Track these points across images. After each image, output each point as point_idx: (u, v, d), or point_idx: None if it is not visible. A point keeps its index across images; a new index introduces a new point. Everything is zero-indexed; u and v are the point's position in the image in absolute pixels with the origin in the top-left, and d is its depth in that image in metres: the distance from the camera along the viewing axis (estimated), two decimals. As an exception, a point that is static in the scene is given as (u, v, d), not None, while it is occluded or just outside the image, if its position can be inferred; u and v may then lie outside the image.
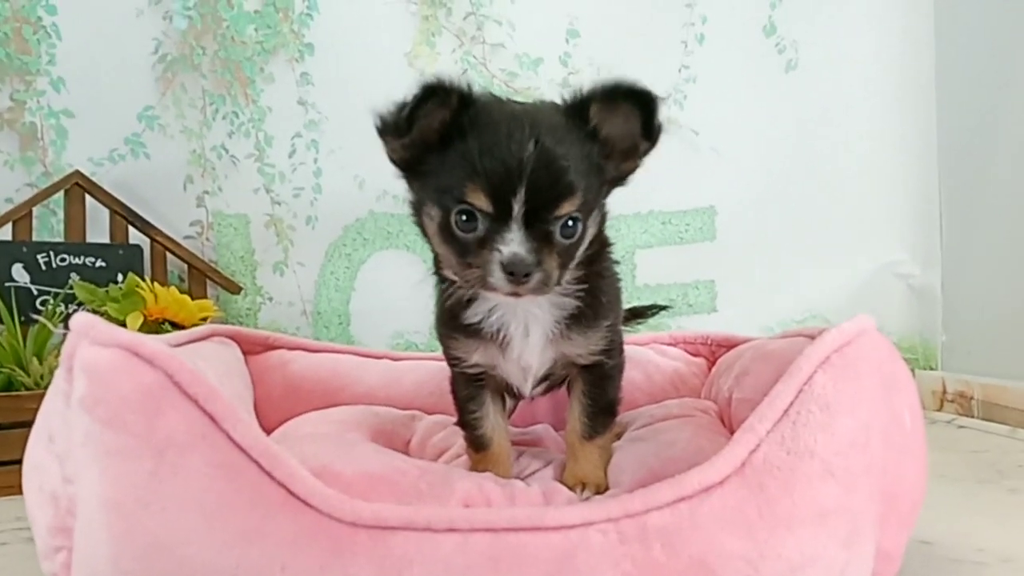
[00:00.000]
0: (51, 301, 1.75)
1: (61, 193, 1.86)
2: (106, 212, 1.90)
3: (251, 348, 1.32)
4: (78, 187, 1.86)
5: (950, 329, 2.34)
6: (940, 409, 2.18)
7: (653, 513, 0.74)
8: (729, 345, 1.40)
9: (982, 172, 2.19)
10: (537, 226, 0.83)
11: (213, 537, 0.66)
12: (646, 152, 0.91)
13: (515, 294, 0.84)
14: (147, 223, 1.93)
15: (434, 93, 0.84)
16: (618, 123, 0.88)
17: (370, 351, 1.48)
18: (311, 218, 2.12)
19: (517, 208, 0.81)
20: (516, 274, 0.81)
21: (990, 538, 1.10)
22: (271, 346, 1.37)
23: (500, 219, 0.82)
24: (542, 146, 0.82)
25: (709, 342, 1.51)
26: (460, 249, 0.86)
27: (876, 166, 2.35)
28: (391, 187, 2.10)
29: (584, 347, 0.99)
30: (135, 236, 1.93)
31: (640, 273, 2.29)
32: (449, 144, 0.85)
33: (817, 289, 2.31)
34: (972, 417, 2.06)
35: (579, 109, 0.87)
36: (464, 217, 0.84)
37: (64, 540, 0.73)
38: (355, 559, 0.67)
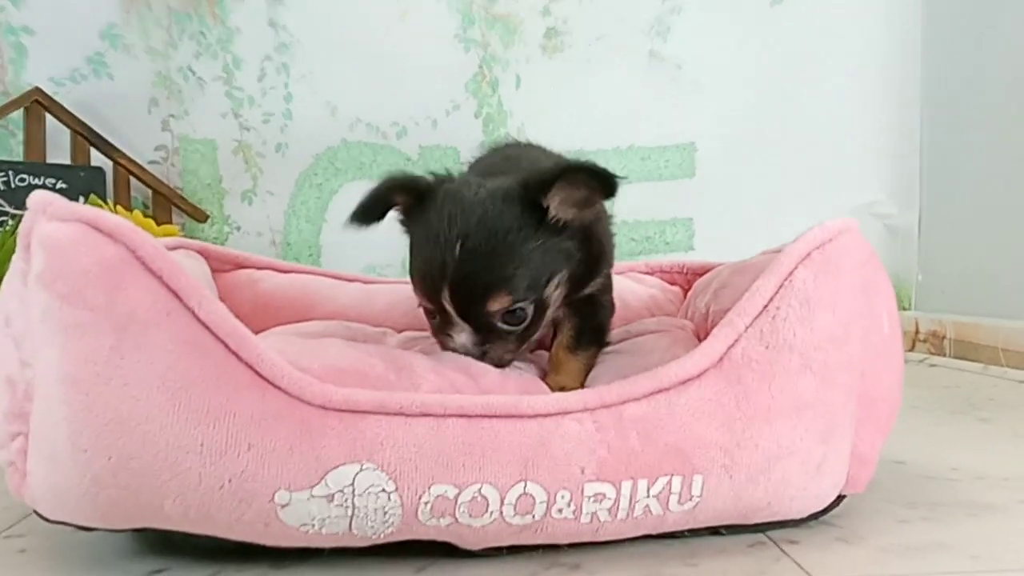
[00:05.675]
0: (10, 222, 1.70)
1: (20, 112, 1.79)
2: (67, 133, 1.84)
3: (219, 266, 1.28)
4: (38, 104, 1.79)
5: (926, 269, 2.35)
6: (912, 349, 2.20)
7: (630, 404, 0.73)
8: (705, 272, 1.39)
9: (964, 114, 2.20)
10: (478, 320, 0.86)
11: (177, 414, 0.64)
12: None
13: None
14: (110, 145, 1.86)
15: (381, 198, 0.89)
16: (574, 194, 0.88)
17: (342, 273, 1.44)
18: (281, 145, 2.07)
19: (448, 308, 0.85)
20: (472, 355, 0.86)
21: (963, 459, 1.11)
22: (240, 265, 1.32)
23: (444, 313, 0.86)
24: (467, 248, 0.83)
25: (685, 270, 1.51)
26: (432, 323, 0.92)
27: (858, 106, 2.35)
28: (364, 115, 2.05)
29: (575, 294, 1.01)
30: (97, 159, 1.87)
31: (618, 210, 2.25)
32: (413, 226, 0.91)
33: (794, 228, 2.28)
34: (944, 356, 2.09)
35: (537, 191, 0.87)
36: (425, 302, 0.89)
37: (21, 426, 0.70)
38: (325, 440, 0.66)
